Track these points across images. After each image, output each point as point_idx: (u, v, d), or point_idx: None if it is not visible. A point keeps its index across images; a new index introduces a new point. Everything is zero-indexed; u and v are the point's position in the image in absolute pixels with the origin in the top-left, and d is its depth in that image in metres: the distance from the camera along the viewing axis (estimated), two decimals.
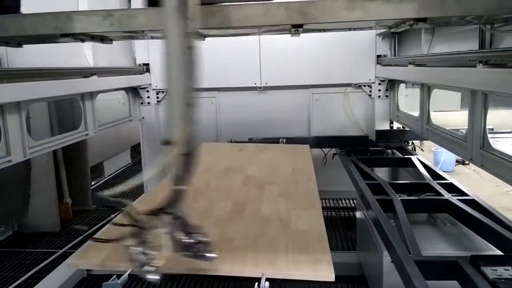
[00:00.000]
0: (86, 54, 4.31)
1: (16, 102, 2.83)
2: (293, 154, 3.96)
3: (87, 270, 3.95)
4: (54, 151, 5.27)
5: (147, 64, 5.23)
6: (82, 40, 1.91)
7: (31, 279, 4.11)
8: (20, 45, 2.19)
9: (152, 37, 1.90)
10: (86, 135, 3.91)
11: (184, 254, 1.64)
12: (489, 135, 2.58)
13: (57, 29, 1.69)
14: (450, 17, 1.76)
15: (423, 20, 1.64)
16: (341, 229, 4.91)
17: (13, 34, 1.70)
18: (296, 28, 1.74)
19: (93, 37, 1.89)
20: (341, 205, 5.68)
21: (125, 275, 1.79)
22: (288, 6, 1.54)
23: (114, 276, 1.78)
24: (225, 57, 4.93)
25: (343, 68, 5.06)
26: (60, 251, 4.69)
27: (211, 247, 1.68)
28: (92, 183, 6.85)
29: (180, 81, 1.54)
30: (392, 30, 2.91)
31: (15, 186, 5.03)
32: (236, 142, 4.79)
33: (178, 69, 1.54)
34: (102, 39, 1.96)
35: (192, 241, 1.64)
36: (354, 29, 2.11)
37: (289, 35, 1.91)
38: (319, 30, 2.02)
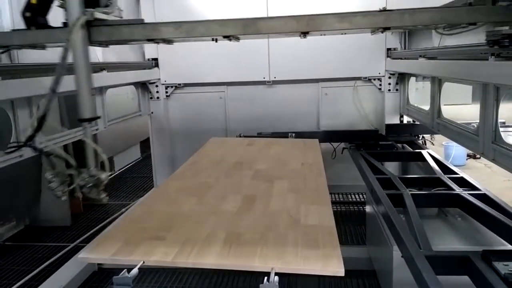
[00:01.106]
0: (95, 49, 4.32)
1: (27, 97, 2.86)
2: (302, 149, 3.95)
3: (98, 264, 3.99)
4: (65, 146, 5.31)
5: (156, 59, 5.24)
6: (158, 43, 2.66)
7: (42, 273, 4.16)
8: (107, 46, 2.76)
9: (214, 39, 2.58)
10: (96, 130, 3.93)
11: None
12: (501, 129, 2.55)
13: (145, 36, 2.29)
14: (406, 26, 2.52)
15: (388, 28, 2.27)
16: (350, 223, 4.90)
17: (116, 38, 2.25)
18: (304, 34, 2.44)
19: (164, 40, 2.51)
20: (350, 199, 5.66)
21: (135, 269, 1.80)
22: (299, 19, 2.18)
23: (125, 270, 1.79)
24: (233, 52, 4.92)
25: (353, 62, 5.02)
26: (71, 245, 4.74)
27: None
28: None
29: None
30: None
31: (26, 181, 5.08)
32: (245, 136, 4.78)
33: None
34: (169, 41, 2.59)
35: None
36: (345, 33, 2.89)
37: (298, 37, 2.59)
38: (320, 34, 2.82)
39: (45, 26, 2.29)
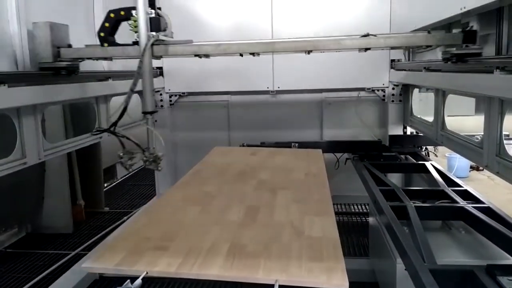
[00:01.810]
0: None
1: (32, 105, 2.87)
2: (305, 159, 3.95)
3: (100, 273, 3.98)
4: (68, 154, 5.33)
5: (160, 68, 5.26)
6: (200, 57, 3.31)
7: (43, 281, 4.15)
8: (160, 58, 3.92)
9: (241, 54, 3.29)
10: (100, 137, 3.94)
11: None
12: (505, 142, 2.54)
13: (193, 52, 3.18)
14: (382, 47, 3.30)
15: (369, 49, 3.08)
16: (353, 234, 4.88)
17: (171, 54, 3.15)
18: (308, 52, 3.20)
19: (206, 56, 3.30)
20: (353, 210, 5.65)
21: (139, 280, 1.79)
22: (306, 41, 3.05)
23: (128, 280, 1.78)
24: (238, 61, 4.93)
25: (357, 73, 5.04)
26: (73, 253, 4.73)
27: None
28: (105, 185, 6.90)
29: None
30: None
31: (29, 188, 5.09)
32: (248, 146, 4.78)
33: None
34: (208, 56, 3.30)
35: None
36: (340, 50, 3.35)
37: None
38: (321, 51, 3.40)
39: (114, 43, 3.09)
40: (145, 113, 3.05)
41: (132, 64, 4.88)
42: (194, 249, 2.03)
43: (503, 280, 1.89)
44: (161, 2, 5.12)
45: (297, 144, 4.72)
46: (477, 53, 2.74)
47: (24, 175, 4.58)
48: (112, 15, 3.00)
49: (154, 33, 2.87)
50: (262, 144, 4.81)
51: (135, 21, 2.88)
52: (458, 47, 2.84)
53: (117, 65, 4.17)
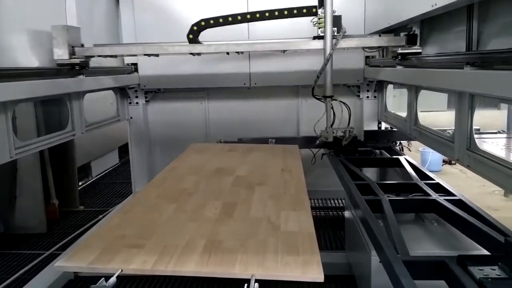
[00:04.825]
0: None
1: (2, 102, 2.80)
2: (282, 155, 3.97)
3: (75, 272, 3.91)
4: (41, 151, 5.22)
5: (135, 64, 5.19)
6: (194, 55, 4.17)
7: (17, 281, 4.06)
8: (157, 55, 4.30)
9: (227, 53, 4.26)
10: (73, 135, 3.87)
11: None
12: (475, 136, 2.60)
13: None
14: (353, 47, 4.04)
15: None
16: (330, 228, 4.93)
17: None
18: (283, 51, 4.19)
19: (197, 54, 4.15)
20: (330, 205, 5.71)
21: (113, 278, 1.78)
22: (283, 43, 3.92)
23: (102, 278, 1.76)
24: (214, 57, 4.92)
25: (332, 69, 5.06)
26: (47, 253, 4.64)
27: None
28: (80, 183, 6.79)
29: None
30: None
31: (1, 187, 4.97)
32: (225, 142, 4.77)
33: None
34: (199, 54, 4.18)
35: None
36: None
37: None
38: (295, 51, 4.45)
39: (198, 43, 3.98)
40: (325, 97, 3.95)
41: (106, 60, 4.83)
42: (170, 246, 2.02)
43: (474, 270, 1.94)
44: (135, 0, 5.11)
45: (274, 140, 4.74)
46: (417, 52, 3.42)
47: None
48: (202, 23, 3.96)
49: (335, 28, 3.67)
50: (240, 140, 4.81)
51: (320, 18, 3.78)
52: (403, 48, 3.51)
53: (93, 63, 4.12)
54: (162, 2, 5.12)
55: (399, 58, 3.52)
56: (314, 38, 3.93)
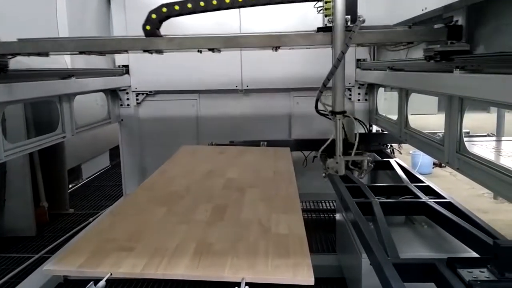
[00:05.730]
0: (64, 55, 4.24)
1: None
2: (273, 157, 3.97)
3: (64, 275, 3.88)
4: (30, 154, 5.17)
5: (126, 66, 5.17)
6: (151, 53, 3.04)
7: (6, 285, 4.01)
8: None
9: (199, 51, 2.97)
10: (64, 137, 3.84)
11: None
12: (465, 139, 2.63)
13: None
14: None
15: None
16: (321, 231, 4.93)
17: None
18: (275, 48, 3.00)
19: (157, 51, 3.01)
20: (321, 207, 5.71)
21: (103, 281, 1.76)
22: (271, 36, 2.76)
23: (91, 282, 1.75)
24: (206, 60, 4.90)
25: (324, 72, 5.06)
26: (36, 256, 4.59)
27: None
28: (70, 186, 6.73)
29: None
30: None
31: None
32: (217, 145, 4.76)
33: None
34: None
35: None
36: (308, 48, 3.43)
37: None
38: (289, 48, 3.41)
39: (158, 36, 2.78)
40: (334, 113, 2.82)
41: (97, 62, 4.80)
42: (160, 250, 2.01)
43: (463, 272, 1.95)
44: None
45: (265, 143, 4.74)
46: (464, 51, 2.42)
47: None
48: (164, 9, 2.78)
49: (348, 16, 2.41)
50: (231, 143, 4.80)
51: (327, 2, 2.41)
52: (443, 44, 2.49)
53: (80, 62, 4.09)
54: (155, 1, 5.07)
55: (438, 59, 2.51)
56: (319, 30, 2.66)
